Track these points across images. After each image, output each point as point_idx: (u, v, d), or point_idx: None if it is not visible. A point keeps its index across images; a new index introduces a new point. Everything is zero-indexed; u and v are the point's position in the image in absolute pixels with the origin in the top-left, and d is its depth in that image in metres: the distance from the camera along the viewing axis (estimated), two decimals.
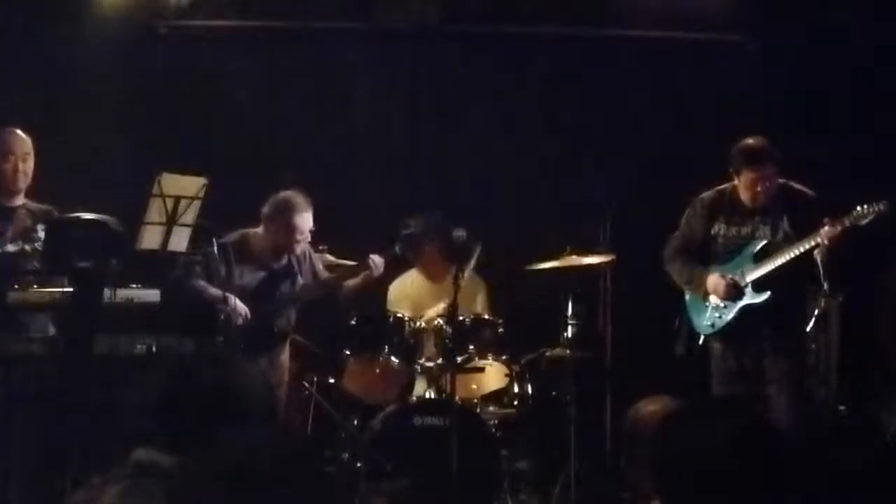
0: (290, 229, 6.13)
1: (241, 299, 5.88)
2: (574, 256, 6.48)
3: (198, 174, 5.59)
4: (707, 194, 6.00)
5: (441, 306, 6.34)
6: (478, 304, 6.73)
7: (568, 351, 6.44)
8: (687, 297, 6.06)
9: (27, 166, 5.73)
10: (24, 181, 5.74)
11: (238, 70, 7.62)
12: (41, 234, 5.57)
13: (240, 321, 5.78)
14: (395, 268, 6.92)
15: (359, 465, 5.96)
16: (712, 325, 5.92)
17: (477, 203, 7.38)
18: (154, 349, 5.29)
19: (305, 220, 6.15)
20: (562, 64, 7.70)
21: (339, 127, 7.77)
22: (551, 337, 6.55)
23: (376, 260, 6.26)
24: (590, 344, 6.62)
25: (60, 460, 5.17)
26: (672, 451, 2.46)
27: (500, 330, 6.39)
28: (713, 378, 5.96)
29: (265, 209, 6.19)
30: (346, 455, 6.18)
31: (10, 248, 5.58)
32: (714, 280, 5.85)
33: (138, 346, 5.30)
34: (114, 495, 2.75)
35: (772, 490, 2.36)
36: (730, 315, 5.85)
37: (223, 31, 7.69)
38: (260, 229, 6.22)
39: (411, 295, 6.89)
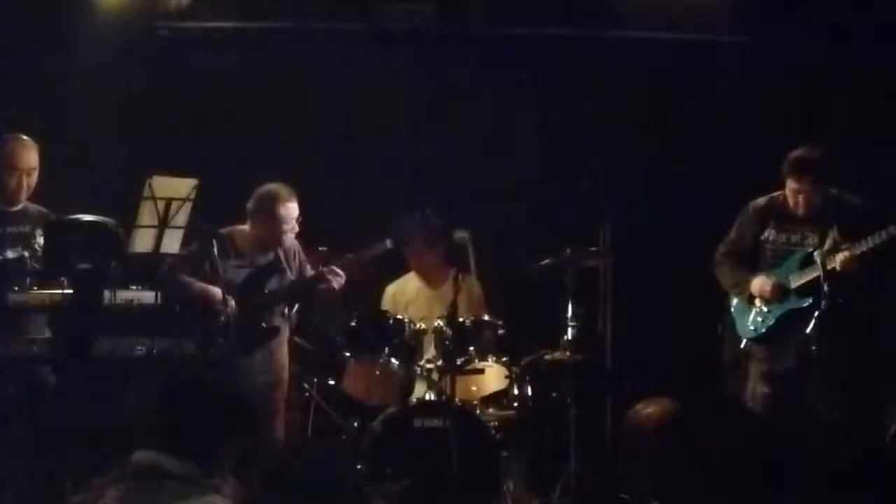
0: (274, 220, 6.13)
1: (228, 294, 5.88)
2: (573, 257, 6.46)
3: (190, 175, 5.58)
4: (759, 200, 5.99)
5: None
6: (478, 306, 6.72)
7: (568, 353, 6.42)
8: (732, 301, 6.05)
9: (31, 180, 5.66)
10: (25, 194, 5.68)
11: (237, 71, 7.62)
12: (40, 239, 5.55)
13: (224, 310, 5.77)
14: (392, 269, 6.92)
15: (359, 467, 5.95)
16: (755, 330, 5.91)
17: (476, 204, 7.37)
18: (154, 351, 5.29)
19: (290, 210, 6.14)
20: (561, 65, 7.69)
21: (337, 128, 7.77)
22: (551, 339, 6.54)
23: (336, 271, 6.23)
24: (590, 346, 6.61)
25: (60, 462, 5.17)
26: (671, 453, 2.46)
27: (501, 332, 6.38)
28: (749, 382, 5.92)
29: (249, 204, 6.20)
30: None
31: (10, 254, 5.56)
32: (760, 281, 5.85)
33: (138, 348, 5.30)
34: (114, 497, 2.76)
35: (771, 491, 2.36)
36: (772, 320, 5.84)
37: (223, 33, 7.68)
38: (246, 226, 6.23)
39: (409, 300, 6.88)
